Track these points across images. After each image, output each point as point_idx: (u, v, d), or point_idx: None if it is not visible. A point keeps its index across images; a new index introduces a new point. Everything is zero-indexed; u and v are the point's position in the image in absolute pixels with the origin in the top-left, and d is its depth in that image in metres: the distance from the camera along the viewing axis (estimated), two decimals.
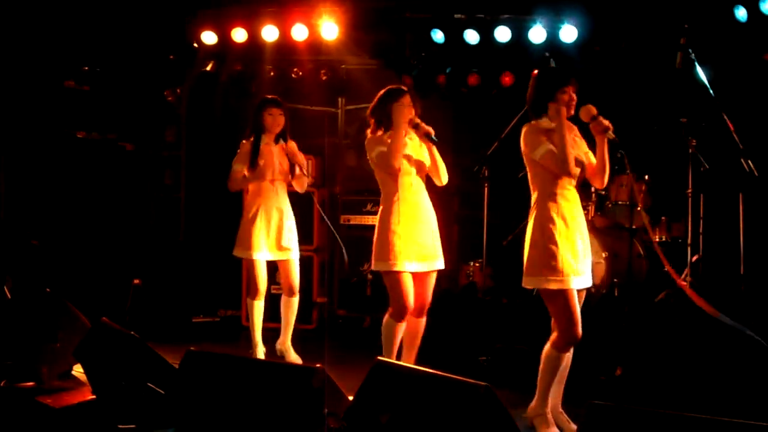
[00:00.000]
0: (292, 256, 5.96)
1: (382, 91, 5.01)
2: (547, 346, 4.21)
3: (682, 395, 5.34)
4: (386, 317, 4.86)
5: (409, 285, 4.81)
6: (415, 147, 4.93)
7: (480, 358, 6.45)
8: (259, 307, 5.99)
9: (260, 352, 6.03)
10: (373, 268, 4.95)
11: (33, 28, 7.50)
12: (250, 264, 5.93)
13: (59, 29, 7.68)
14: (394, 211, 4.83)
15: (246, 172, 5.87)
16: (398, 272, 4.78)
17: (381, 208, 4.95)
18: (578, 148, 4.35)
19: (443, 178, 4.94)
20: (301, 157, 5.92)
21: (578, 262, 4.18)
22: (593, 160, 4.36)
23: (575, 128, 4.39)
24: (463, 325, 6.80)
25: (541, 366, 4.23)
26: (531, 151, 4.22)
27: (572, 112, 4.27)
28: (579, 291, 4.26)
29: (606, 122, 4.21)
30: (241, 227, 5.96)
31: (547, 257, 4.13)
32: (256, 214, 5.85)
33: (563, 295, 4.12)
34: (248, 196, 5.97)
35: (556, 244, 4.13)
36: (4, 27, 7.29)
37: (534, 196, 4.29)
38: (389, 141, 4.85)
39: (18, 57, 7.46)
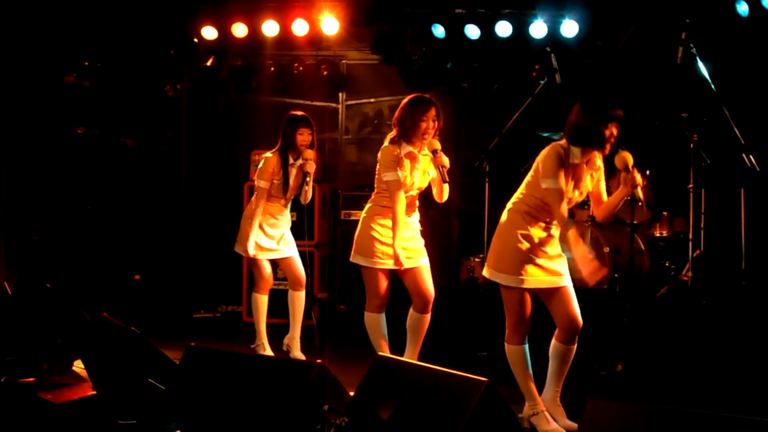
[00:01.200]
0: (292, 251, 5.98)
1: (407, 99, 4.92)
2: (505, 344, 4.33)
3: (683, 391, 5.34)
4: (365, 312, 5.02)
5: (383, 279, 4.97)
6: (423, 168, 4.94)
7: (481, 354, 6.45)
8: (263, 301, 6.00)
9: (266, 345, 6.03)
10: (351, 259, 5.04)
11: (33, 23, 7.49)
12: (251, 260, 5.94)
13: (59, 25, 7.67)
14: (380, 220, 4.95)
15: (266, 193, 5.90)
16: (377, 269, 4.93)
17: (370, 205, 4.99)
18: (593, 180, 4.32)
19: (443, 197, 4.98)
20: (313, 168, 5.89)
21: (543, 262, 4.21)
22: (602, 191, 4.36)
23: (598, 155, 4.27)
24: (464, 321, 6.80)
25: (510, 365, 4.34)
26: (543, 175, 4.17)
27: (608, 150, 4.18)
28: (561, 288, 4.26)
29: (638, 178, 4.14)
30: (241, 225, 5.98)
31: (511, 254, 4.20)
32: (258, 216, 5.87)
33: (511, 290, 4.23)
34: (256, 198, 5.95)
35: (520, 242, 4.18)
36: (5, 22, 7.27)
37: (520, 195, 4.30)
38: (404, 159, 4.84)
39: (18, 53, 7.45)
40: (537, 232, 4.21)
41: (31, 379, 5.09)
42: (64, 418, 4.43)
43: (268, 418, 3.56)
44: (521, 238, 4.19)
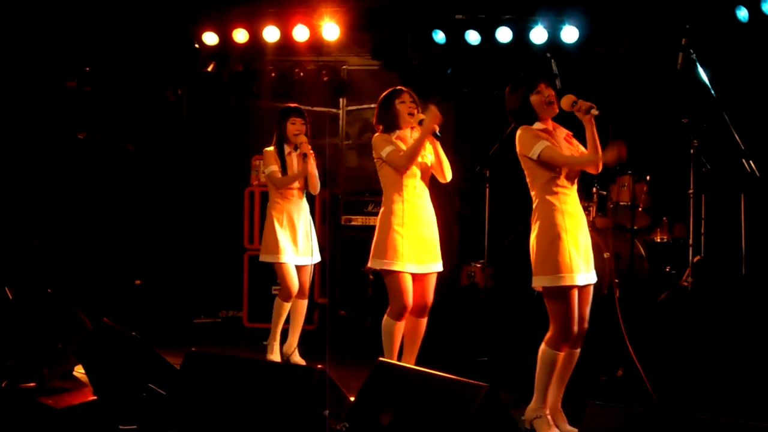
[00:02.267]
0: (313, 260, 5.98)
1: (381, 97, 5.04)
2: (543, 346, 4.22)
3: (683, 396, 5.34)
4: (385, 316, 4.88)
5: (408, 285, 4.85)
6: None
7: (481, 359, 6.46)
8: (286, 309, 5.96)
9: (276, 349, 6.00)
10: (370, 265, 4.98)
11: (34, 28, 7.50)
12: (280, 267, 5.87)
13: (61, 30, 7.68)
14: (397, 212, 4.86)
15: (280, 174, 5.89)
16: (398, 272, 4.82)
17: (383, 209, 4.96)
18: (573, 147, 4.36)
19: (447, 175, 4.95)
20: (310, 149, 5.88)
21: (582, 258, 4.20)
22: (582, 149, 4.39)
23: (566, 131, 4.40)
24: (465, 326, 6.81)
25: (538, 366, 4.24)
26: (529, 151, 4.23)
27: (556, 109, 4.31)
28: (586, 287, 4.27)
29: (587, 103, 4.23)
30: (267, 234, 5.92)
31: (553, 256, 4.15)
32: (282, 221, 5.87)
33: (566, 292, 4.14)
34: (272, 203, 5.96)
35: (561, 242, 4.15)
36: (6, 27, 7.29)
37: (535, 201, 4.31)
38: (397, 141, 4.86)
39: (19, 58, 7.46)
40: (568, 224, 4.20)
41: (32, 384, 5.09)
42: (64, 423, 4.43)
43: (268, 423, 3.56)
44: (562, 236, 4.17)
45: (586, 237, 4.31)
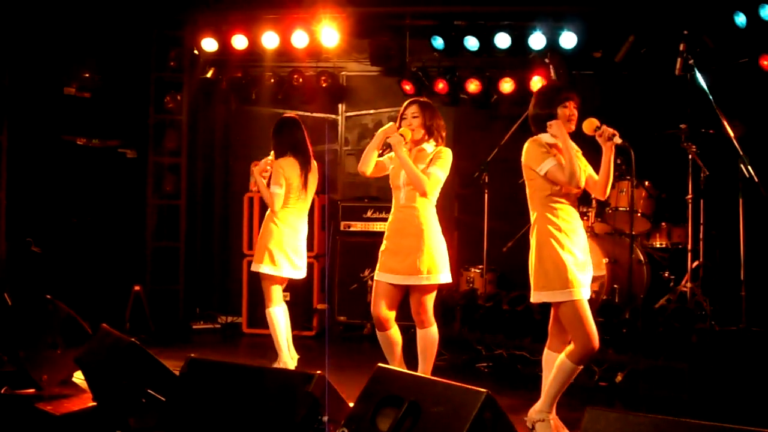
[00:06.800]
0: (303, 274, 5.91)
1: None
2: (563, 357, 4.20)
3: (683, 401, 5.34)
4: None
5: (377, 292, 4.83)
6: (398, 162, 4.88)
7: (480, 365, 6.45)
8: (286, 314, 5.82)
9: (286, 357, 5.82)
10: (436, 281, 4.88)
11: (34, 35, 7.51)
12: (276, 279, 5.76)
13: (60, 36, 7.69)
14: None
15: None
16: (375, 281, 4.89)
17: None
18: (581, 165, 4.34)
19: (419, 189, 4.74)
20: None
21: (582, 273, 4.20)
22: (594, 174, 4.38)
23: (576, 147, 4.38)
24: (464, 331, 6.81)
25: (555, 374, 4.23)
26: (536, 165, 4.22)
27: (573, 127, 4.29)
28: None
29: (611, 129, 4.22)
30: (275, 245, 5.74)
31: (555, 272, 4.15)
32: (289, 232, 5.77)
33: (576, 305, 4.14)
34: (283, 214, 5.78)
35: (561, 258, 4.15)
36: (5, 34, 7.30)
37: (533, 215, 4.31)
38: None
39: (19, 64, 7.47)
40: (568, 239, 4.20)
41: (31, 390, 5.08)
42: (63, 429, 4.43)
43: (267, 429, 3.56)
44: (560, 253, 4.17)
45: (585, 253, 4.29)
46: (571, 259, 4.17)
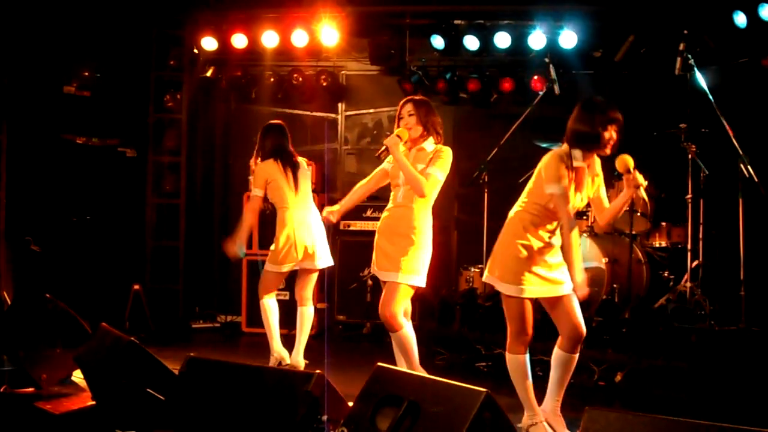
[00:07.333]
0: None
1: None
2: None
3: (682, 401, 5.34)
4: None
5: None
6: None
7: (479, 364, 6.45)
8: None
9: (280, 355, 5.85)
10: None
11: (33, 34, 7.51)
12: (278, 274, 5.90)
13: (60, 35, 7.69)
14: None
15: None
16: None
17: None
18: (593, 186, 4.31)
19: (417, 190, 4.69)
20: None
21: (543, 268, 4.19)
22: (603, 197, 4.36)
23: (597, 161, 4.28)
24: (464, 331, 6.80)
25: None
26: (546, 180, 4.17)
27: (608, 152, 4.17)
28: (566, 296, 4.26)
29: (640, 179, 4.16)
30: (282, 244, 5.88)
31: (513, 262, 4.17)
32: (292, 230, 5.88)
33: (517, 301, 4.19)
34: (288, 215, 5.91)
35: (519, 252, 4.16)
36: (5, 33, 7.30)
37: (524, 200, 4.28)
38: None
39: (19, 63, 7.47)
40: (537, 242, 4.20)
41: (30, 389, 5.08)
42: (63, 428, 4.43)
43: (267, 428, 3.56)
44: (521, 248, 4.18)
45: (554, 255, 4.25)
46: (532, 256, 4.17)
